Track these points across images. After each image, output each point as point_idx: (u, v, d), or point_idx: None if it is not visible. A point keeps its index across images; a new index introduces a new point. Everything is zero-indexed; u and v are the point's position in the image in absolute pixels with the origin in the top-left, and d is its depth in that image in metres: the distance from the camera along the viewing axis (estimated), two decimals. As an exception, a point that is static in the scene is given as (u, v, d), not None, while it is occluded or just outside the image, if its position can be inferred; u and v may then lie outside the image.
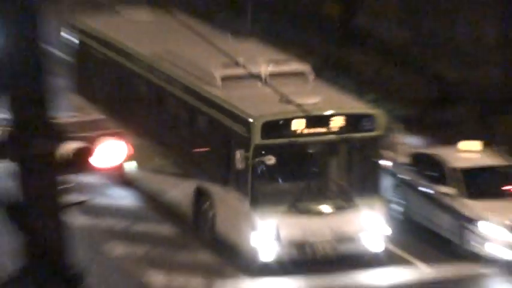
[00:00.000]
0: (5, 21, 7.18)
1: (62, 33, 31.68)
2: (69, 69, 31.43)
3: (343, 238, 25.59)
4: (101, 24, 31.52)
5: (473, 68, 35.37)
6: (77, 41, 31.31)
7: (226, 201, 25.91)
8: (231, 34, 30.15)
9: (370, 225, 25.65)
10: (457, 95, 33.80)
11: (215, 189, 26.21)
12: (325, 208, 25.61)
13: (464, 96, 33.47)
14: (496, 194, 26.75)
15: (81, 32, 31.26)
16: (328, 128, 25.41)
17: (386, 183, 26.86)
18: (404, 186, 27.69)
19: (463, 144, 27.61)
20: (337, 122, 25.44)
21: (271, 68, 26.71)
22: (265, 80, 25.72)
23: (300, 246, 25.46)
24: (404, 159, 27.77)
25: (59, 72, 30.06)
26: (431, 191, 27.05)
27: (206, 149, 26.71)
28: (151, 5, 37.43)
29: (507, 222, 25.95)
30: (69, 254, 7.36)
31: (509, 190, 26.79)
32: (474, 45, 36.14)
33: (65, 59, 31.66)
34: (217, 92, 26.45)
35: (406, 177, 27.70)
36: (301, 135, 25.36)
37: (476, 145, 27.56)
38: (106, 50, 30.14)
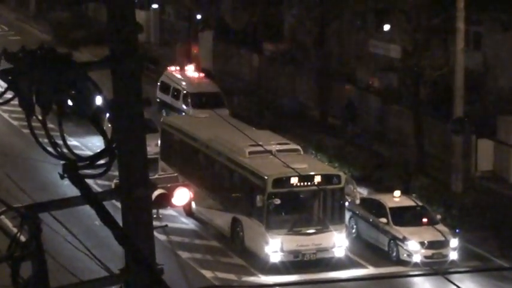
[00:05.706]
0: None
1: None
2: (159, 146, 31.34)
3: (321, 249, 25.31)
4: (178, 120, 31.56)
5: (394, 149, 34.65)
6: (164, 130, 31.25)
7: (251, 225, 25.67)
8: (255, 127, 30.19)
9: (337, 241, 25.36)
10: (384, 165, 33.24)
11: (244, 219, 25.94)
12: (310, 230, 25.38)
13: (390, 164, 32.96)
14: (413, 223, 26.46)
15: (165, 124, 31.24)
16: (312, 182, 25.22)
17: (347, 215, 26.61)
18: (357, 217, 27.44)
19: (396, 193, 27.36)
20: (317, 179, 25.23)
21: (277, 147, 26.63)
22: (274, 154, 25.63)
23: (295, 253, 25.20)
24: (357, 201, 27.48)
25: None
26: (374, 221, 26.79)
27: (239, 194, 26.54)
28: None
29: (421, 240, 25.66)
30: (155, 257, 7.23)
31: (420, 221, 26.52)
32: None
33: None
34: (246, 161, 26.35)
35: (358, 212, 27.45)
36: (296, 186, 25.17)
37: (399, 193, 27.32)
38: (180, 134, 30.08)
